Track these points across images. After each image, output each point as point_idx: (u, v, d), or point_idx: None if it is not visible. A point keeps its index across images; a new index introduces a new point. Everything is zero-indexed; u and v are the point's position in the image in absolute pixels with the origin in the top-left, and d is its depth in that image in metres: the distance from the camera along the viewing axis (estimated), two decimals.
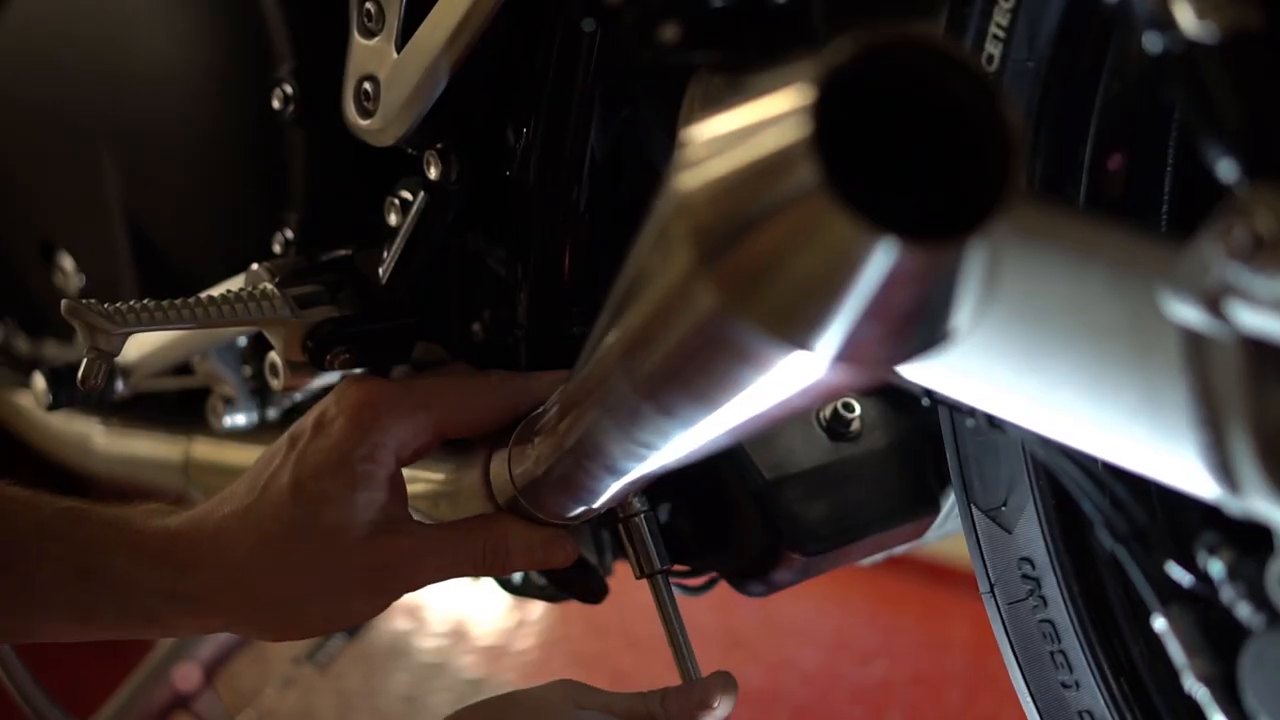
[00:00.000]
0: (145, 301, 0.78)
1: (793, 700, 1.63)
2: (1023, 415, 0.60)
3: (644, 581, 0.79)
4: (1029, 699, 0.75)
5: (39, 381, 0.96)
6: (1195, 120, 0.51)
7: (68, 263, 1.09)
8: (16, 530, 0.71)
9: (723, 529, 0.84)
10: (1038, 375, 0.57)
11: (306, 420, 0.77)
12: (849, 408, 0.86)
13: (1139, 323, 0.53)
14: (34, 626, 0.74)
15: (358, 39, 0.81)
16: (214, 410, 0.98)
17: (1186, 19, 0.50)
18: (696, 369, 0.50)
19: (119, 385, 0.97)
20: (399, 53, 0.79)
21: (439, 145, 0.81)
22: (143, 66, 0.98)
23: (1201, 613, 0.62)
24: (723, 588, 0.89)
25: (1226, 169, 0.50)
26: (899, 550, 0.91)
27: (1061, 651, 0.73)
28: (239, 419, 0.97)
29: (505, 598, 1.01)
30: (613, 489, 0.70)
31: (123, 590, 0.72)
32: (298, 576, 0.74)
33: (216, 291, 0.82)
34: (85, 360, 0.77)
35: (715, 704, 0.73)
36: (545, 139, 0.79)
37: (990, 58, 0.68)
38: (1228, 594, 0.58)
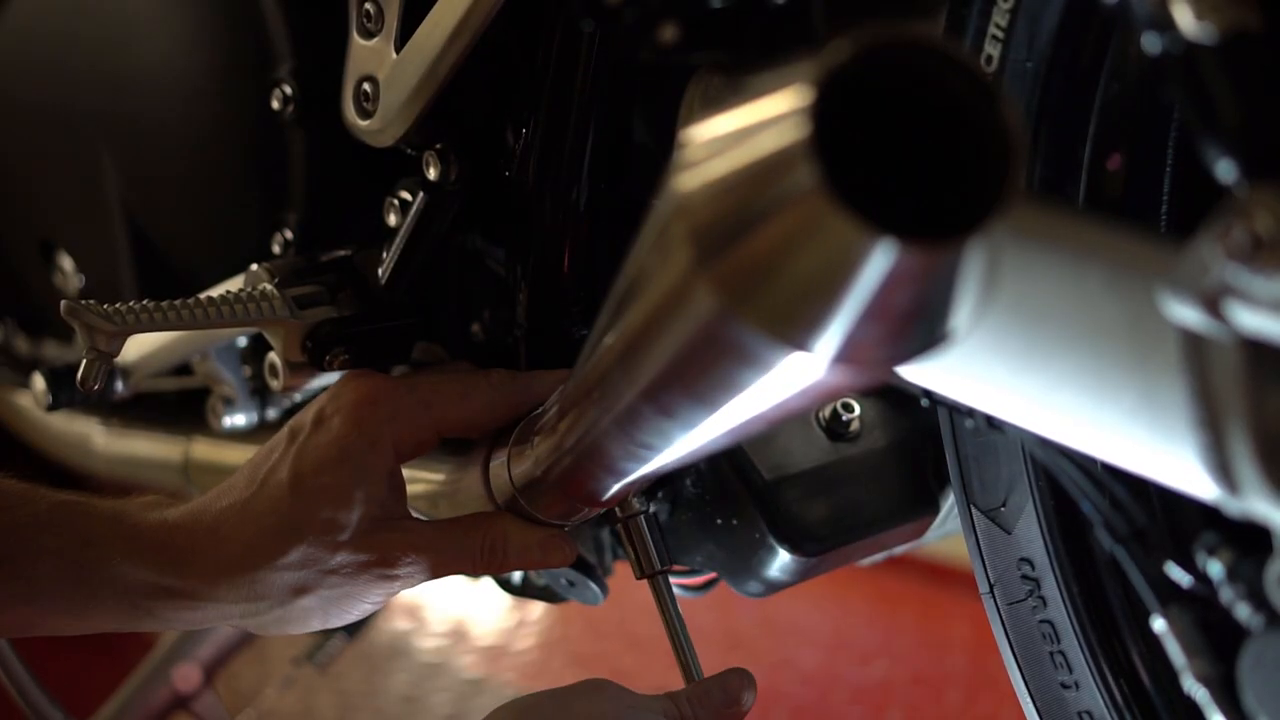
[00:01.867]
0: (145, 302, 0.78)
1: (792, 700, 1.63)
2: (1022, 416, 0.60)
3: (644, 581, 0.79)
4: (1029, 699, 0.75)
5: (39, 382, 0.96)
6: (1194, 120, 0.51)
7: (68, 263, 1.09)
8: (14, 524, 0.71)
9: (723, 529, 0.84)
10: (1037, 376, 0.57)
11: (306, 415, 0.77)
12: (848, 408, 0.86)
13: (1138, 323, 0.53)
14: (32, 620, 0.74)
15: (357, 39, 0.81)
16: (214, 410, 0.98)
17: (1185, 19, 0.50)
18: (695, 370, 0.50)
19: (119, 385, 0.97)
20: (398, 53, 0.79)
21: (438, 145, 0.81)
22: (143, 66, 0.98)
23: (1201, 613, 0.62)
24: (723, 588, 0.89)
25: (1225, 169, 0.50)
26: (899, 550, 0.91)
27: (1061, 652, 0.73)
28: (239, 419, 0.98)
29: (505, 598, 1.01)
30: (612, 489, 0.70)
31: (120, 583, 0.72)
32: (296, 570, 0.74)
33: (216, 292, 0.82)
34: (85, 361, 0.77)
35: (745, 703, 0.73)
36: (545, 139, 0.79)
37: (990, 58, 0.68)
38: (1227, 594, 0.58)
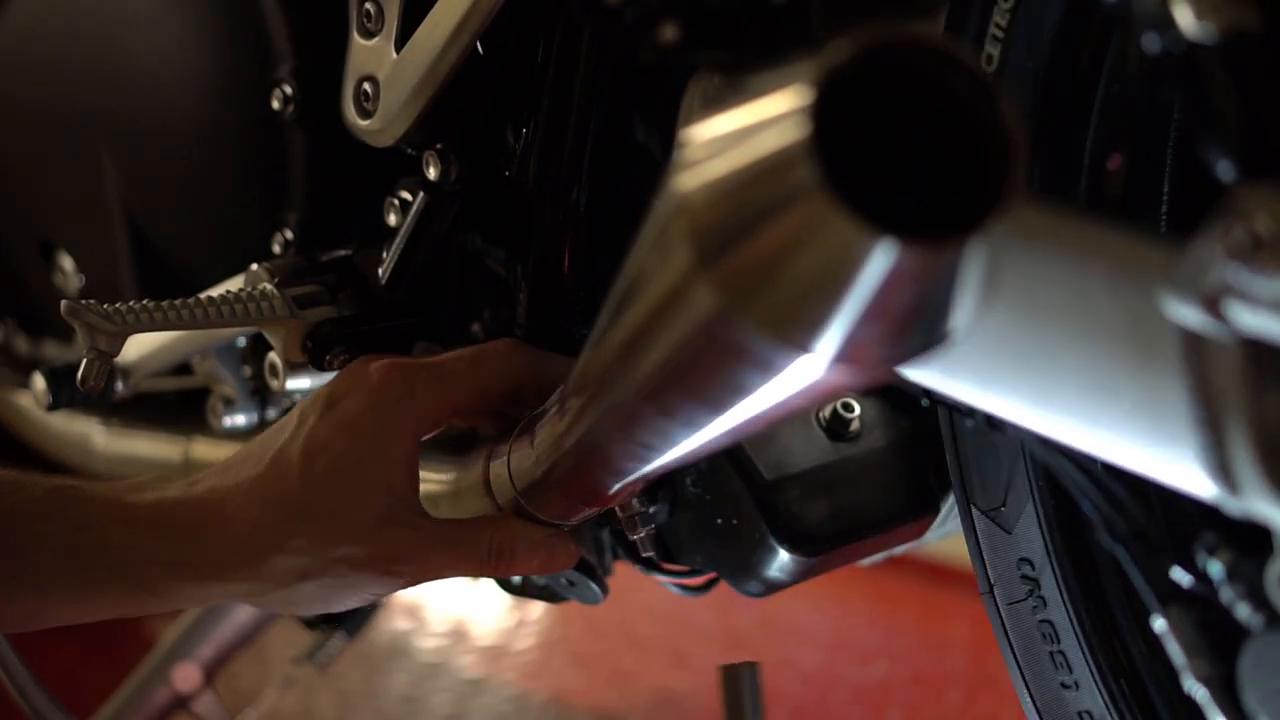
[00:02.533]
0: (145, 302, 0.78)
1: (792, 700, 1.63)
2: (1022, 415, 0.60)
3: (644, 581, 0.78)
4: (1029, 699, 0.75)
5: (39, 381, 0.96)
6: (1194, 120, 0.51)
7: (68, 263, 1.09)
8: (9, 513, 0.70)
9: (723, 529, 0.84)
10: (1037, 376, 0.57)
11: (318, 397, 0.75)
12: (848, 408, 0.86)
13: (1139, 323, 0.53)
14: (33, 610, 0.73)
15: (357, 39, 0.82)
16: (214, 410, 0.98)
17: (1185, 19, 0.50)
18: (695, 370, 0.50)
19: (119, 385, 0.97)
20: (398, 53, 0.79)
21: (438, 145, 0.81)
22: (143, 66, 0.98)
23: (1201, 613, 0.62)
24: (723, 588, 0.89)
25: (1225, 169, 0.50)
26: (899, 550, 0.91)
27: (1061, 651, 0.73)
28: (239, 419, 0.98)
29: (505, 598, 1.01)
30: (613, 489, 0.70)
31: (120, 563, 0.71)
32: (302, 555, 0.73)
33: (216, 292, 0.82)
34: (85, 360, 0.77)
35: None
36: (545, 139, 0.79)
37: (990, 58, 0.68)
38: (1227, 594, 0.58)
